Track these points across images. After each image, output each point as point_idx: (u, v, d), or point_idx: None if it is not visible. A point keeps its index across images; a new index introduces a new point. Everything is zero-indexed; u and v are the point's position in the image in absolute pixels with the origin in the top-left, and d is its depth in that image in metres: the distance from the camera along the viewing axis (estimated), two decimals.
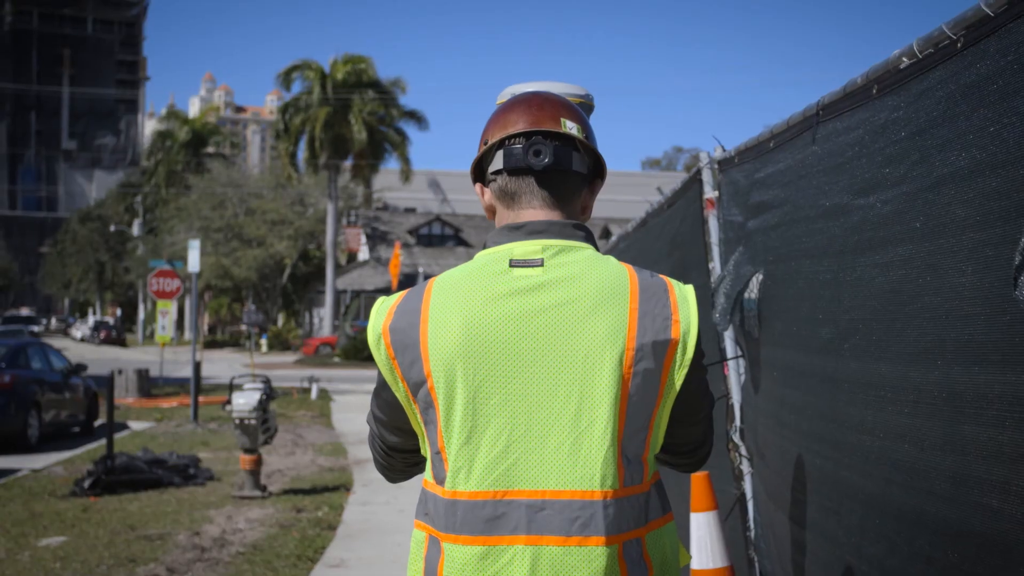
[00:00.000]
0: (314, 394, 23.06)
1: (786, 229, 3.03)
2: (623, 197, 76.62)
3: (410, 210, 65.03)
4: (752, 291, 3.27)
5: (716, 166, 3.96)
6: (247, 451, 9.97)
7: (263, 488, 10.11)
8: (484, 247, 1.90)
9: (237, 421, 9.89)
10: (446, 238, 58.09)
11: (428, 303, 1.84)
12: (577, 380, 1.77)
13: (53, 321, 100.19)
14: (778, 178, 3.13)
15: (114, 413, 19.74)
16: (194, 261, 17.98)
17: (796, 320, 2.99)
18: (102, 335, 66.46)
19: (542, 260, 1.83)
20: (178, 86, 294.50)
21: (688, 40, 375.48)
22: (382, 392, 1.93)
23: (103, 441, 15.30)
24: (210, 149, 71.20)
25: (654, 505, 1.83)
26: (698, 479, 3.64)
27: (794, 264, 2.99)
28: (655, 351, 1.78)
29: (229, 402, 9.97)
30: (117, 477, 10.18)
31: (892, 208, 2.37)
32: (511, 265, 1.83)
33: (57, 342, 72.82)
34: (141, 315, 72.71)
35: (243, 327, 61.47)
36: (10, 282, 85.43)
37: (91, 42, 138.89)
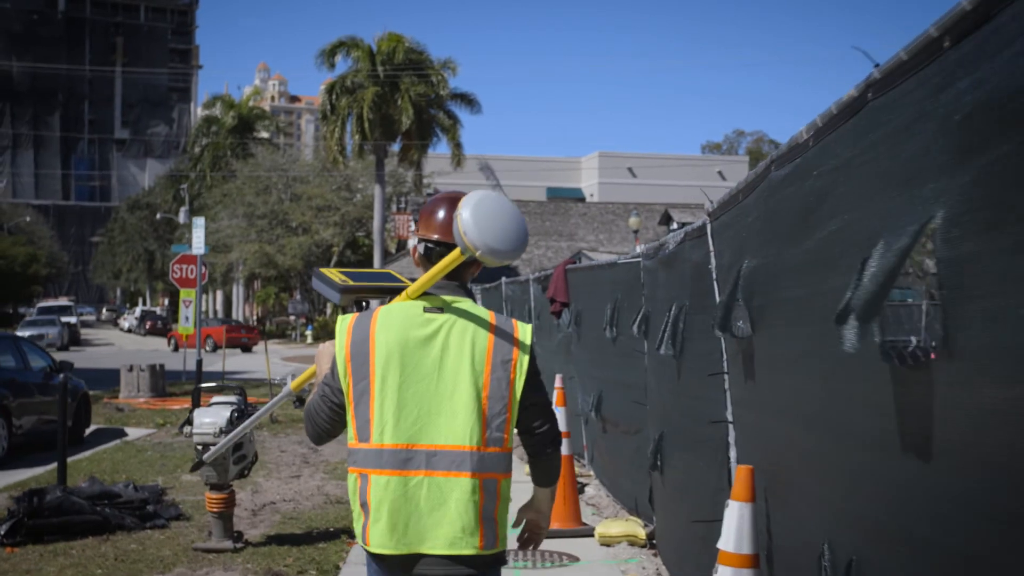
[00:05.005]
0: None
1: None
2: (682, 182, 73.57)
3: None
4: None
5: None
6: (214, 488, 7.39)
7: (236, 536, 7.52)
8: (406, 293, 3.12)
9: (199, 447, 7.32)
10: None
11: (375, 327, 3.00)
12: (459, 380, 2.95)
13: (104, 311, 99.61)
14: None
15: (115, 417, 17.40)
16: (199, 241, 15.49)
17: None
18: (148, 325, 64.91)
19: (443, 308, 3.03)
20: (232, 77, 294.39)
21: (749, 18, 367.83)
22: (331, 379, 3.06)
23: (86, 453, 12.91)
24: (264, 134, 69.21)
25: (509, 463, 3.02)
26: None
27: None
28: (503, 363, 2.99)
29: (188, 422, 7.39)
30: (45, 520, 7.64)
31: None
32: (424, 311, 3.02)
33: (105, 332, 71.81)
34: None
35: (290, 317, 59.39)
36: (58, 271, 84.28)
37: (144, 30, 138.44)
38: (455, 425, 2.91)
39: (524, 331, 3.04)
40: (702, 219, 4.67)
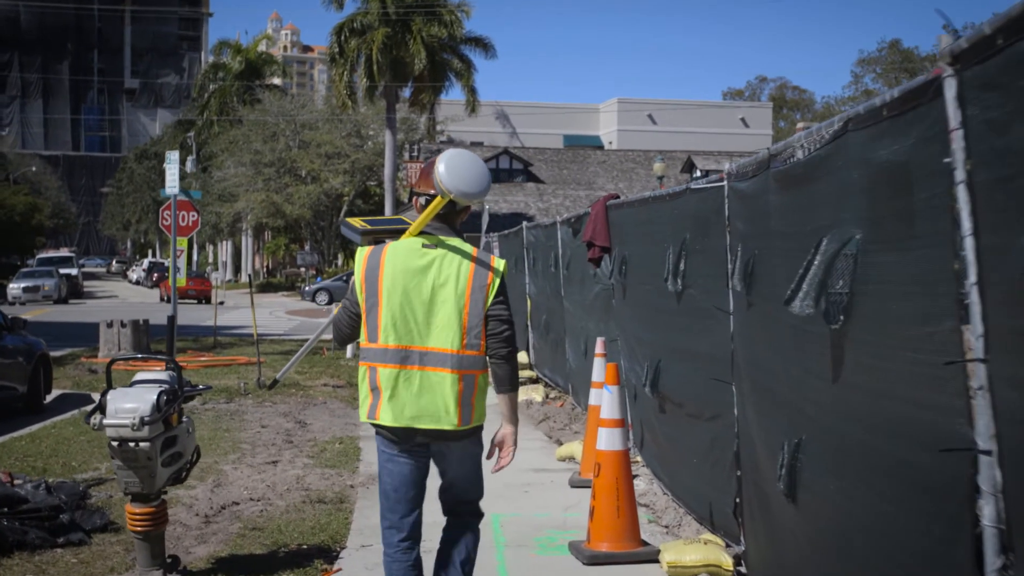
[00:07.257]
0: (350, 352, 18.55)
1: None
2: (703, 129, 70.86)
3: (476, 144, 59.85)
4: None
5: None
6: (137, 499, 5.37)
7: (170, 563, 5.50)
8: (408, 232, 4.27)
9: (115, 443, 5.29)
10: (515, 172, 52.98)
11: (385, 256, 4.13)
12: (446, 299, 4.07)
13: (114, 263, 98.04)
14: None
15: (86, 380, 15.41)
16: (172, 179, 13.39)
17: None
18: (155, 277, 63.11)
19: (436, 244, 4.14)
20: (244, 26, 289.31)
21: None
22: (351, 295, 4.20)
23: (32, 428, 10.94)
24: (276, 80, 66.67)
25: (485, 362, 4.14)
26: None
27: None
28: (481, 287, 4.09)
29: (100, 409, 5.35)
30: None
31: None
32: (423, 246, 4.14)
33: (112, 284, 70.09)
34: (195, 256, 68.82)
35: (299, 268, 57.36)
36: (65, 222, 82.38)
37: None
38: (442, 332, 4.07)
39: (499, 263, 4.22)
40: (924, 75, 2.53)
